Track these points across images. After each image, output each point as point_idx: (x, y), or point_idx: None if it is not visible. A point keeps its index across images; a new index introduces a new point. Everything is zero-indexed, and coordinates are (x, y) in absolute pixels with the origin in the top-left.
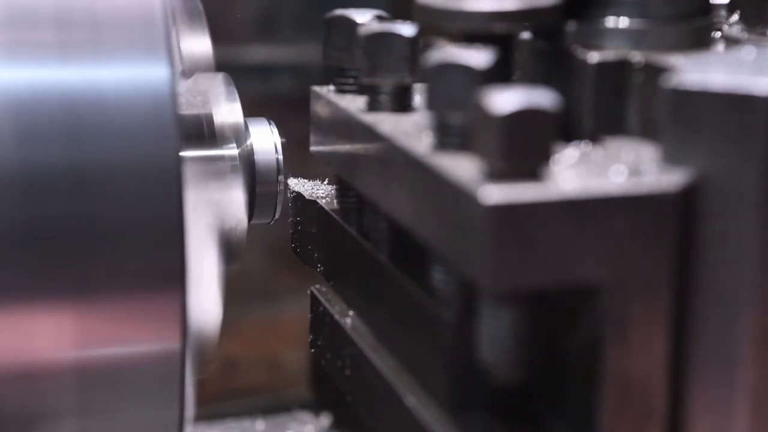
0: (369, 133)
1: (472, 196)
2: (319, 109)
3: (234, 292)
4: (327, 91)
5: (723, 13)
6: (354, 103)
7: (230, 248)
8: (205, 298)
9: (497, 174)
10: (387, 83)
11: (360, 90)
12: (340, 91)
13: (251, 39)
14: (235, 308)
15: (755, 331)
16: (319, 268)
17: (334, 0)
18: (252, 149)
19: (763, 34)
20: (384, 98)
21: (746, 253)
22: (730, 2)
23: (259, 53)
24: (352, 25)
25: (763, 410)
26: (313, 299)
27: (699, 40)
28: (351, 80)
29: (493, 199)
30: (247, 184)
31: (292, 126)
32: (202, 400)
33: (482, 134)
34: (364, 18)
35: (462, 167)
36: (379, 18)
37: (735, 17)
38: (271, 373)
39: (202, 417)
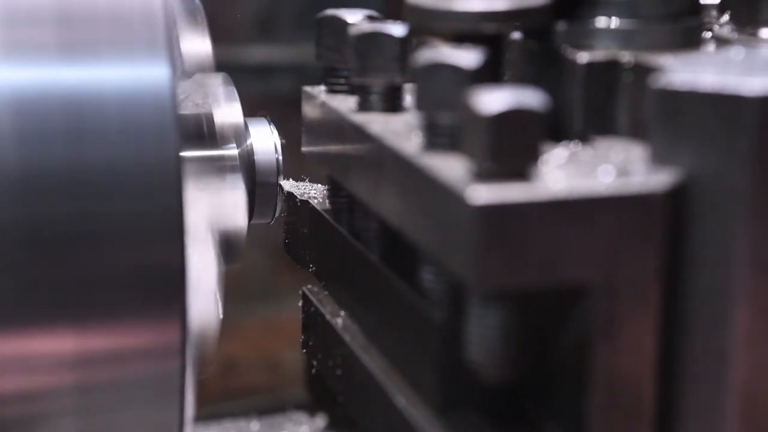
0: (359, 134)
1: (461, 196)
2: (310, 109)
3: (234, 292)
4: (318, 91)
5: (713, 13)
6: (345, 103)
7: (230, 248)
8: (205, 298)
9: (485, 174)
10: (377, 83)
11: (351, 90)
12: (332, 91)
13: (251, 39)
14: (235, 308)
15: (744, 331)
16: (311, 268)
17: (333, 0)
18: (252, 149)
19: (753, 34)
20: (375, 98)
21: (734, 253)
22: (720, 2)
23: (259, 53)
24: (343, 25)
25: (752, 410)
26: (305, 299)
27: (689, 41)
28: (342, 80)
29: (481, 200)
30: (247, 184)
31: (292, 126)
32: (201, 400)
33: (470, 134)
34: (355, 18)
35: (451, 167)
36: (370, 18)
37: (725, 17)
38: (271, 374)
39: (201, 417)
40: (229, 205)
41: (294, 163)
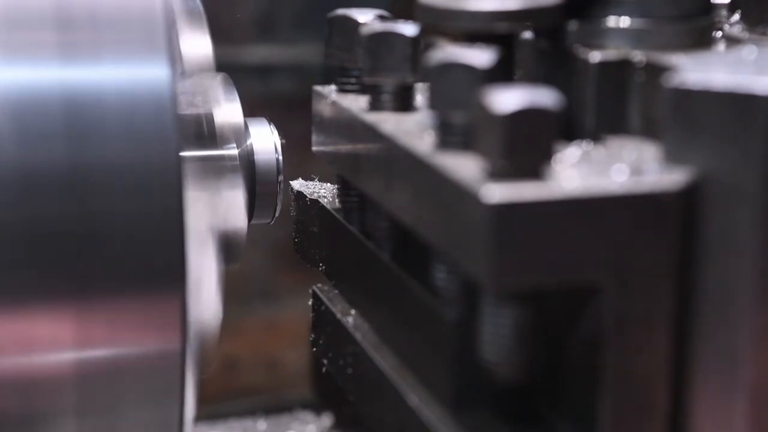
0: (371, 133)
1: (474, 195)
2: (321, 108)
3: (234, 292)
4: (329, 90)
5: (724, 12)
6: (356, 103)
7: (230, 248)
8: (205, 298)
9: (499, 173)
10: (389, 83)
11: (362, 90)
12: (343, 90)
13: (251, 39)
14: (235, 308)
15: (757, 330)
16: (321, 267)
17: (334, 1)
18: (252, 149)
19: (764, 33)
20: (386, 98)
21: (747, 252)
22: (731, 2)
23: (259, 53)
24: (355, 24)
25: (765, 409)
26: (315, 298)
27: (700, 40)
28: (353, 80)
29: (495, 198)
30: (247, 184)
31: (291, 126)
32: (202, 400)
33: (484, 133)
34: (366, 18)
35: (464, 166)
36: (381, 18)
37: (736, 17)
38: (271, 373)
39: (203, 417)
40: (229, 205)
41: (294, 163)
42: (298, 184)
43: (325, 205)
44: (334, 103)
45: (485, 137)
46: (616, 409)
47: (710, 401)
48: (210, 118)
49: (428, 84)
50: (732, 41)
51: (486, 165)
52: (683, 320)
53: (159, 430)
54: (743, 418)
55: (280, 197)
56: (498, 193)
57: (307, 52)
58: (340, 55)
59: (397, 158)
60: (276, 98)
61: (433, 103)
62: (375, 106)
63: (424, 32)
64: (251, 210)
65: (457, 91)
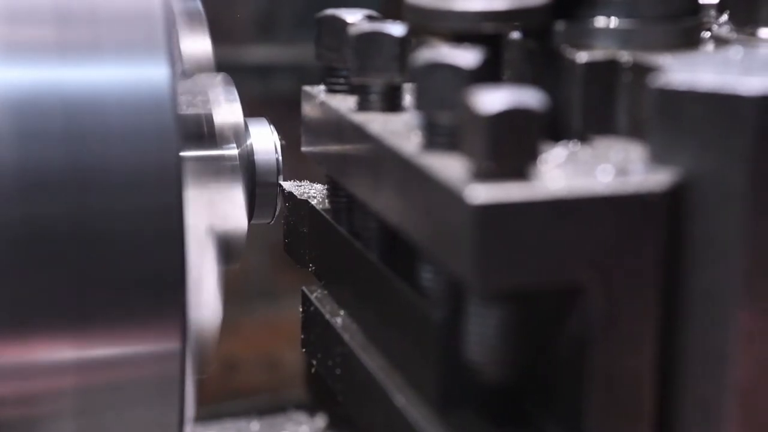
0: (358, 133)
1: (459, 195)
2: (309, 108)
3: (234, 292)
4: (318, 90)
5: (712, 12)
6: (344, 103)
7: (230, 248)
8: (205, 298)
9: (484, 173)
10: (377, 83)
11: (350, 90)
12: (331, 90)
13: (251, 39)
14: (235, 308)
15: (742, 331)
16: (311, 267)
17: (332, 0)
18: (252, 149)
19: (752, 34)
20: (374, 98)
21: (733, 253)
22: (719, 2)
23: (259, 53)
24: (343, 24)
25: (750, 410)
26: (305, 299)
27: (688, 40)
28: (341, 80)
29: (479, 199)
30: (247, 184)
31: (292, 126)
32: (201, 400)
33: (469, 134)
34: (354, 18)
35: (450, 167)
36: (370, 18)
37: (724, 17)
38: (271, 373)
39: (200, 417)
40: (229, 205)
41: (293, 164)
42: (288, 185)
43: (314, 205)
44: (322, 104)
45: (470, 138)
46: (602, 409)
47: (696, 402)
48: (210, 118)
49: (415, 84)
50: (720, 42)
51: (471, 165)
52: (669, 321)
53: (159, 430)
54: (729, 419)
55: (280, 197)
56: (483, 193)
57: (307, 52)
58: (328, 55)
59: (383, 158)
60: (276, 98)
61: (420, 104)
62: (363, 106)
63: (412, 32)
64: (251, 210)
65: (443, 92)
